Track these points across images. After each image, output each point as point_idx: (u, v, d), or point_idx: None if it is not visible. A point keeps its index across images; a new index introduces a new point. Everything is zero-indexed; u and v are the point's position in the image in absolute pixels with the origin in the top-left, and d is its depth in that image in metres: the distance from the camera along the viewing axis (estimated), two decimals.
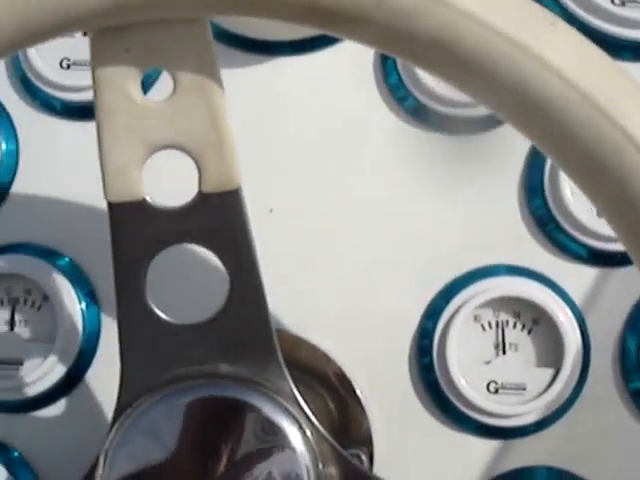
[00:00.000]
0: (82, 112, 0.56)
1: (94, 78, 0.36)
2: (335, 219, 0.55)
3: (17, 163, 0.57)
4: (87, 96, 0.55)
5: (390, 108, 0.56)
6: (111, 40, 0.35)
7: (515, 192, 0.55)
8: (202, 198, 0.37)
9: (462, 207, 0.55)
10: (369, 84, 0.56)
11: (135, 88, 0.36)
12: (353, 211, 0.55)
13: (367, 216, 0.55)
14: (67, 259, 0.57)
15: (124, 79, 0.36)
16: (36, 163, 0.57)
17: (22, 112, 0.57)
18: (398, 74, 0.55)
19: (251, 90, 0.55)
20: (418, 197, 0.55)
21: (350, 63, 0.56)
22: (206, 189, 0.37)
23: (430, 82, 0.54)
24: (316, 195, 0.55)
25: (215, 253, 0.38)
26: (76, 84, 0.55)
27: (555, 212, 0.54)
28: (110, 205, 0.37)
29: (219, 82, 0.36)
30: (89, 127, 0.55)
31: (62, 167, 0.57)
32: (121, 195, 0.37)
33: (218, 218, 0.37)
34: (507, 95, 0.31)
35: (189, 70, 0.36)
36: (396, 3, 0.31)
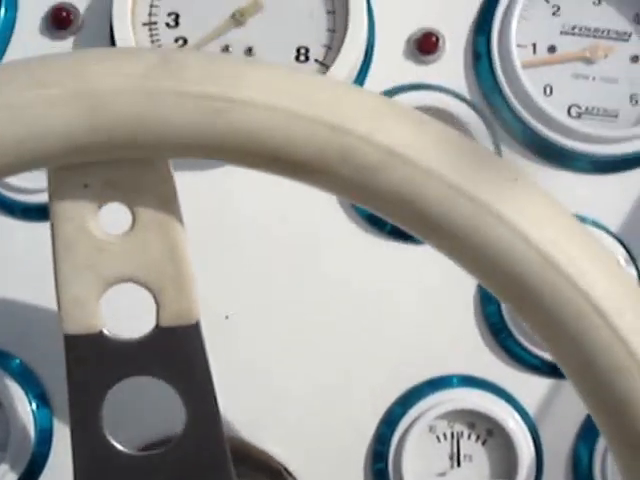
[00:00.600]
0: (36, 214, 0.55)
1: (52, 211, 0.36)
2: (291, 326, 0.55)
3: None
4: (39, 198, 0.55)
5: (347, 213, 0.56)
6: (69, 176, 0.35)
7: (471, 299, 0.55)
8: (160, 331, 0.37)
9: (418, 314, 0.55)
10: None
11: (94, 222, 0.36)
12: (310, 319, 0.55)
13: (323, 324, 0.55)
14: (17, 361, 0.56)
15: (82, 213, 0.36)
16: None
17: None
18: None
19: (205, 194, 0.55)
20: (374, 305, 0.55)
21: None
22: (164, 323, 0.37)
23: None
24: (273, 301, 0.55)
25: (172, 386, 0.37)
26: (31, 186, 0.55)
27: (508, 321, 0.55)
28: (66, 337, 0.37)
29: (179, 216, 0.36)
30: (41, 229, 0.55)
31: (12, 268, 0.56)
32: (78, 327, 0.37)
33: (176, 351, 0.37)
34: (468, 252, 0.31)
35: (148, 206, 0.36)
36: (359, 159, 0.31)
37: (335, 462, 0.55)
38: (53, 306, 0.55)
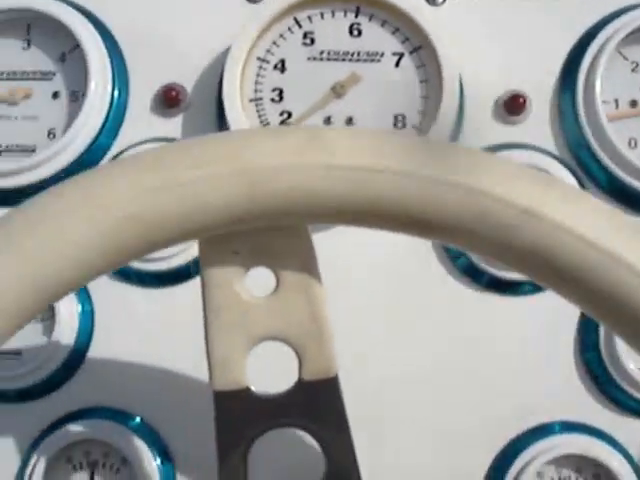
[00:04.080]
0: (155, 280, 0.59)
1: (203, 276, 0.39)
2: (392, 376, 0.57)
3: (93, 326, 0.60)
4: (159, 266, 0.58)
5: (446, 267, 0.59)
6: (220, 244, 0.39)
7: (570, 346, 0.58)
8: (302, 385, 0.40)
9: (518, 363, 0.57)
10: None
11: (241, 285, 0.39)
12: (410, 370, 0.57)
13: (424, 375, 0.57)
14: (138, 418, 0.59)
15: (231, 278, 0.39)
16: (110, 327, 0.60)
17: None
18: None
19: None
20: (474, 356, 0.57)
21: None
22: (306, 377, 0.40)
23: None
24: (372, 352, 0.58)
25: (313, 436, 0.40)
26: (152, 255, 0.58)
27: (608, 367, 0.57)
28: (216, 393, 0.40)
29: (318, 277, 0.40)
30: (162, 294, 0.59)
31: (132, 331, 0.60)
32: (226, 384, 0.40)
33: (317, 404, 0.40)
34: (601, 301, 0.34)
35: (292, 269, 0.39)
36: (496, 219, 0.34)
37: None
38: (170, 366, 0.58)
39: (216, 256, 0.39)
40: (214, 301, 0.39)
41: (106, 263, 0.35)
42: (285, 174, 0.35)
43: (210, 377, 0.40)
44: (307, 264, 0.39)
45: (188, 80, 0.61)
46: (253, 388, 0.40)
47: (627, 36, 0.60)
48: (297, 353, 0.40)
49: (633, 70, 0.61)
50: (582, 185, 0.59)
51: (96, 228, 0.34)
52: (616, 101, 0.60)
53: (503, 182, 0.34)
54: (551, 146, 0.60)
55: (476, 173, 0.34)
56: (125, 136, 0.61)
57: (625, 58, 0.61)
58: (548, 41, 0.61)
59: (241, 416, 0.40)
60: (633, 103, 0.61)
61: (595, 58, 0.60)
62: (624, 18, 0.61)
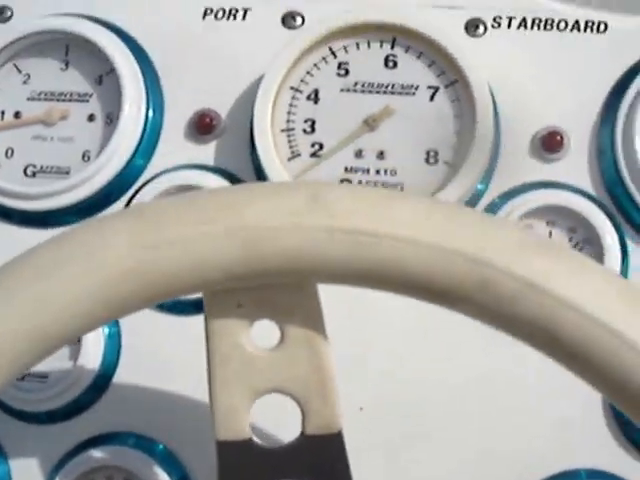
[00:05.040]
0: (184, 307, 0.59)
1: (207, 327, 0.39)
2: (418, 420, 0.57)
3: (119, 351, 0.60)
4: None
5: None
6: (224, 297, 0.38)
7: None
8: (305, 439, 0.39)
9: (544, 409, 0.56)
10: None
11: (246, 338, 0.39)
12: (436, 414, 0.56)
13: (450, 419, 0.56)
14: (161, 446, 0.59)
15: (235, 330, 0.39)
16: (137, 352, 0.60)
17: None
18: None
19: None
20: (500, 400, 0.56)
21: None
22: (309, 431, 0.39)
23: None
24: (400, 395, 0.57)
25: None
26: None
27: None
28: (219, 443, 0.40)
29: (324, 332, 0.39)
30: (190, 321, 0.59)
31: (156, 359, 0.60)
32: (230, 435, 0.39)
33: (319, 458, 0.40)
34: (603, 379, 0.33)
35: (296, 323, 0.38)
36: (498, 289, 0.33)
37: None
38: (196, 395, 0.58)
39: (220, 308, 0.39)
40: (218, 352, 0.39)
41: (106, 315, 0.36)
42: (283, 235, 0.34)
43: (213, 427, 0.40)
44: (312, 318, 0.39)
45: (223, 106, 0.61)
46: (256, 439, 0.40)
47: None
48: (300, 407, 0.39)
49: None
50: (618, 228, 0.57)
51: (95, 282, 0.34)
52: None
53: (507, 252, 0.33)
54: (588, 186, 0.58)
55: (480, 241, 0.34)
56: (159, 160, 0.61)
57: None
58: (590, 76, 0.60)
59: (244, 467, 0.40)
60: None
61: (638, 94, 0.58)
62: None
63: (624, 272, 0.57)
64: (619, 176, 0.57)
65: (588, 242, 0.58)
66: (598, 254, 0.57)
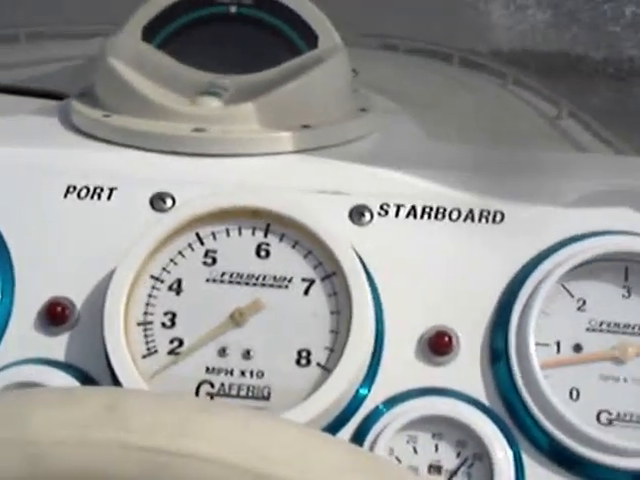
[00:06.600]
0: None
1: None
2: None
3: None
4: None
5: None
6: None
7: None
8: None
9: None
10: None
11: None
12: None
13: None
14: None
15: None
16: None
17: None
18: None
19: None
20: None
21: None
22: None
23: None
24: None
25: None
26: None
27: None
28: None
29: None
30: None
31: None
32: None
33: None
34: None
35: None
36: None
37: None
38: None
39: None
40: None
41: None
42: (69, 450, 0.29)
43: None
44: None
45: (78, 295, 0.55)
46: None
47: (572, 269, 0.54)
48: None
49: (579, 309, 0.54)
50: (512, 442, 0.51)
51: None
52: (557, 344, 0.53)
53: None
54: (480, 394, 0.53)
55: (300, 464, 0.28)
56: (3, 352, 0.55)
57: (571, 295, 0.54)
58: (483, 270, 0.55)
59: None
60: (577, 347, 0.53)
61: (533, 293, 0.53)
62: (569, 249, 0.55)
63: None
64: (513, 383, 0.52)
65: (478, 457, 0.51)
66: (488, 471, 0.51)
